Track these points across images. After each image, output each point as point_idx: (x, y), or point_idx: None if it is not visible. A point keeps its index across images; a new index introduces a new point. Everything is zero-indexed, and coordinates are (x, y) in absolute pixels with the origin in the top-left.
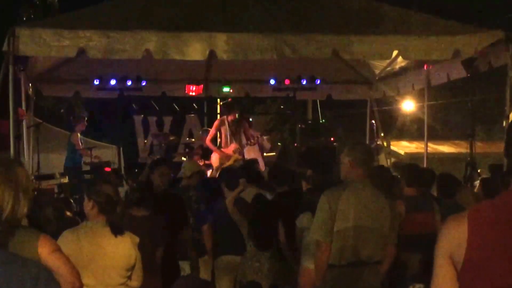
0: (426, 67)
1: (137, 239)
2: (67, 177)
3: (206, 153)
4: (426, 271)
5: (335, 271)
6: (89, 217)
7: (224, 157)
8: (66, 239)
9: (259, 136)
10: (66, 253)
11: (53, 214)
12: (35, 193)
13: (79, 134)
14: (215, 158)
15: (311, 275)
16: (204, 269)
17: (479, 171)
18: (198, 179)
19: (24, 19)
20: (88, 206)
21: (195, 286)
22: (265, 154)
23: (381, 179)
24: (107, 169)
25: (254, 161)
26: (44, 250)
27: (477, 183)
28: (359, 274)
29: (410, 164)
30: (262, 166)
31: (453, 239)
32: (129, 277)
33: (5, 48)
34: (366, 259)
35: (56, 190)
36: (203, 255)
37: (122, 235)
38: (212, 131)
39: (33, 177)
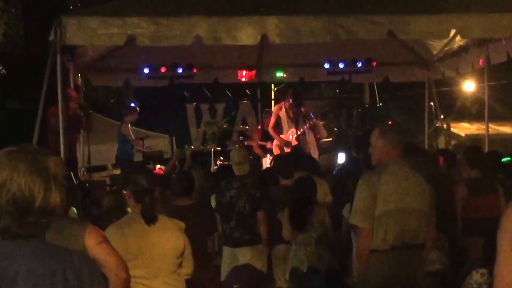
0: (486, 46)
1: (183, 225)
2: (119, 168)
3: (266, 136)
4: (490, 256)
5: (378, 256)
6: (130, 207)
7: (284, 144)
8: (111, 235)
9: (316, 121)
10: None
11: (114, 204)
12: (87, 185)
13: (129, 125)
14: (275, 146)
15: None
16: (258, 258)
17: None
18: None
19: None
20: (125, 196)
21: (250, 276)
22: (322, 140)
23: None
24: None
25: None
26: (90, 241)
27: None
28: (404, 258)
29: (472, 146)
30: (315, 152)
31: None
32: (180, 265)
33: (52, 38)
34: (410, 241)
35: (108, 182)
36: (257, 243)
37: (160, 223)
38: (272, 118)
39: (83, 169)
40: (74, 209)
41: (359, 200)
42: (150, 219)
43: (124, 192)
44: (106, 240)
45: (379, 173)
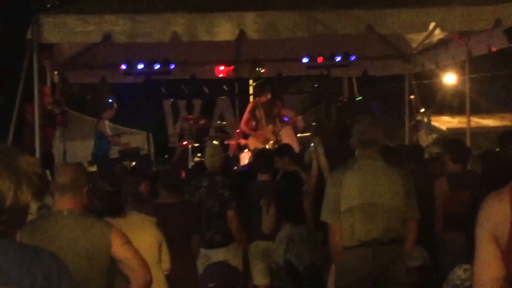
0: (465, 39)
1: (155, 220)
2: (95, 165)
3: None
4: (472, 251)
5: (351, 252)
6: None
7: (262, 140)
8: None
9: (294, 116)
10: None
11: None
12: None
13: (107, 121)
14: (252, 142)
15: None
16: (233, 257)
17: None
18: (223, 164)
19: (48, 6)
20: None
21: (225, 273)
22: (299, 134)
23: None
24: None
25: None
26: (116, 242)
27: None
28: (377, 254)
29: (454, 140)
30: (296, 147)
31: (495, 216)
32: (159, 260)
33: (29, 36)
34: (380, 237)
35: None
36: (230, 243)
37: (134, 220)
38: (246, 114)
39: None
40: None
41: (326, 196)
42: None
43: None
44: (130, 242)
45: (346, 169)
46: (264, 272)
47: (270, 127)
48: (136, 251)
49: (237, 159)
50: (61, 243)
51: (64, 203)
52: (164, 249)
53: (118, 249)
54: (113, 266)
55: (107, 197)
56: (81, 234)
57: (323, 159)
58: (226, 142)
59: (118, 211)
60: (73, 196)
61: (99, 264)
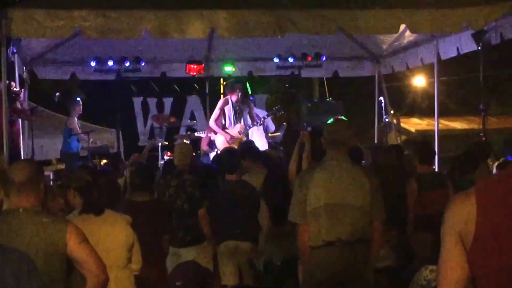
0: (436, 41)
1: (130, 219)
2: (64, 163)
3: None
4: (439, 252)
5: (318, 252)
6: (76, 207)
7: (230, 139)
8: None
9: (265, 116)
10: None
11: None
12: None
13: (76, 118)
14: (219, 140)
15: None
16: (203, 256)
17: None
18: (191, 163)
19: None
20: (70, 195)
21: (194, 273)
22: (269, 134)
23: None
24: None
25: (251, 142)
26: (72, 240)
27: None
28: (343, 254)
29: (422, 142)
30: (265, 147)
31: (461, 216)
32: (130, 260)
33: None
34: (346, 238)
35: (52, 177)
36: (201, 241)
37: (108, 217)
38: (216, 111)
39: None
40: None
41: (294, 196)
42: (97, 211)
43: (69, 192)
44: (86, 240)
45: (313, 170)
46: (233, 271)
47: (238, 126)
48: (92, 250)
49: (207, 156)
50: (17, 242)
51: (19, 201)
52: (136, 248)
53: (74, 248)
54: (70, 265)
55: (87, 189)
56: (37, 233)
57: (307, 156)
58: (197, 134)
59: (97, 208)
60: (29, 194)
61: (56, 263)
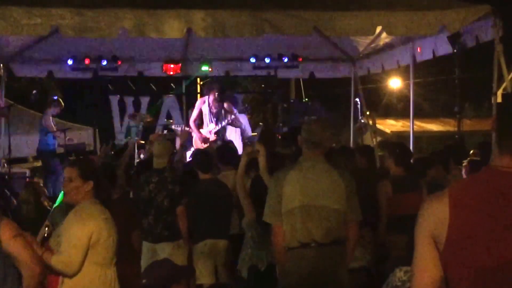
0: (412, 43)
1: (107, 215)
2: (40, 160)
3: None
4: (413, 254)
5: (292, 253)
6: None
7: (202, 139)
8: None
9: (236, 113)
10: None
11: (32, 196)
12: (6, 177)
13: (51, 117)
14: (194, 140)
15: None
16: (179, 254)
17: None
18: (171, 160)
19: None
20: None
21: (169, 271)
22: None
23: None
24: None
25: (230, 142)
26: (5, 236)
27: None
28: (318, 255)
29: (398, 143)
30: (238, 148)
31: (434, 218)
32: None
33: None
34: (321, 239)
35: (28, 174)
36: (177, 238)
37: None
38: (194, 111)
39: (3, 161)
40: None
41: (268, 197)
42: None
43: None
44: (20, 234)
45: (288, 170)
46: (209, 270)
47: (212, 126)
48: (26, 244)
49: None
50: None
51: None
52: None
53: (7, 243)
54: (9, 259)
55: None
56: None
57: (263, 166)
58: (174, 127)
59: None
60: None
61: None
